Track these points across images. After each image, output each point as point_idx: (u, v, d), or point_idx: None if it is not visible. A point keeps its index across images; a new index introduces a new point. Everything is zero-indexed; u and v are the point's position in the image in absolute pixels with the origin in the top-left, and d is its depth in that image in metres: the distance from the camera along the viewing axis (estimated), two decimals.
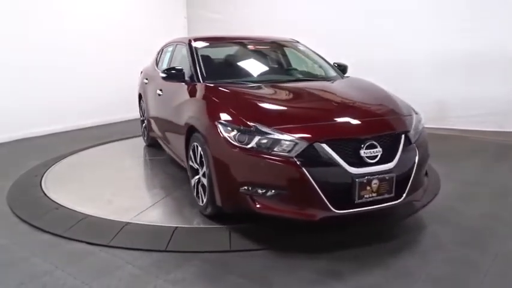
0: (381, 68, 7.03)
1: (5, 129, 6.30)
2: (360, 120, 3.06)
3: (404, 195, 2.94)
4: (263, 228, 3.14)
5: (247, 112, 3.08)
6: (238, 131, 2.91)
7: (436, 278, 2.54)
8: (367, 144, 2.82)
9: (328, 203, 2.72)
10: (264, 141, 2.81)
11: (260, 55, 4.70)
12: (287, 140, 2.77)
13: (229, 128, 2.96)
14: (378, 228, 3.23)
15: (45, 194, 3.99)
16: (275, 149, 2.77)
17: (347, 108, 3.36)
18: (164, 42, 5.58)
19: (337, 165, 2.75)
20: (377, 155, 2.84)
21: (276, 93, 3.62)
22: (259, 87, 3.68)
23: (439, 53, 6.60)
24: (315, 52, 4.69)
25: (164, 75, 3.97)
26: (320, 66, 4.49)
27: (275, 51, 4.84)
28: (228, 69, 4.36)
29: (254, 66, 4.44)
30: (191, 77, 3.93)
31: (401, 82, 6.92)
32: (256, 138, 2.82)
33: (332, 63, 4.51)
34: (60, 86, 7.04)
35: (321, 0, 7.64)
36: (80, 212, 3.51)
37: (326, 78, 4.23)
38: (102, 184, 4.36)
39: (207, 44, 4.60)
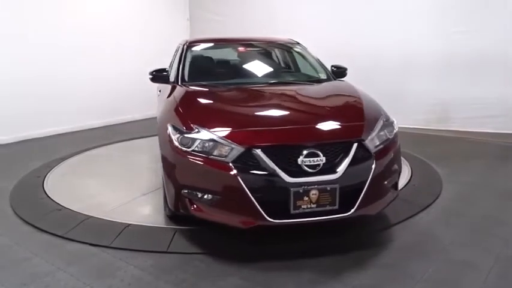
0: (384, 69, 7.04)
1: (10, 130, 6.33)
2: (305, 127, 2.95)
3: (353, 208, 2.73)
4: (263, 230, 3.14)
5: (196, 115, 3.08)
6: (182, 133, 2.91)
7: (437, 280, 2.54)
8: (307, 152, 2.67)
9: (262, 212, 2.62)
10: (205, 145, 2.78)
11: (250, 57, 4.69)
12: (225, 144, 2.73)
13: (175, 130, 2.97)
14: (378, 229, 3.22)
15: (48, 195, 4.01)
16: (214, 154, 2.74)
17: (300, 113, 3.26)
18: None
19: (272, 172, 2.63)
20: (319, 164, 2.67)
21: (241, 97, 3.62)
22: (228, 90, 3.71)
23: (442, 55, 6.58)
24: (310, 54, 4.60)
25: (150, 76, 4.04)
26: (311, 69, 4.41)
27: (268, 53, 4.81)
28: (212, 71, 4.37)
29: (238, 68, 4.46)
30: (175, 79, 4.00)
31: (404, 83, 6.95)
32: (197, 142, 2.80)
33: (330, 66, 4.36)
34: (65, 86, 7.06)
35: (325, 2, 7.64)
36: (82, 213, 3.52)
37: (310, 81, 4.15)
38: (100, 184, 4.39)
39: (202, 45, 4.65)
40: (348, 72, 4.39)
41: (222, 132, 2.80)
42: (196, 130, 2.86)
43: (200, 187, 2.82)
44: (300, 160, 2.66)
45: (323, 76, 4.26)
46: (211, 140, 2.77)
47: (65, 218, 3.47)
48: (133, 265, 2.72)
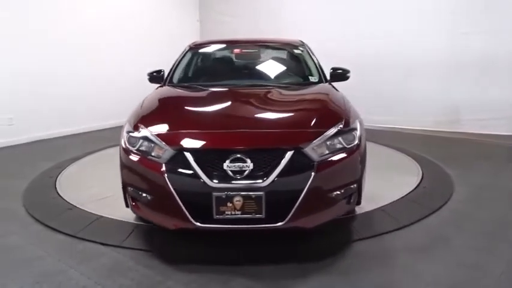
0: (393, 71, 7.02)
1: (23, 131, 6.43)
2: (238, 132, 2.89)
3: (285, 220, 2.62)
4: (269, 232, 3.15)
5: (147, 115, 3.17)
6: (129, 132, 3.01)
7: (447, 283, 2.52)
8: (234, 157, 2.62)
9: (188, 215, 2.64)
10: (146, 145, 2.85)
11: (245, 59, 4.67)
12: (160, 146, 2.78)
13: (126, 129, 3.08)
14: (387, 231, 3.20)
15: (60, 195, 4.06)
16: (152, 154, 2.80)
17: (246, 118, 3.19)
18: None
19: (196, 176, 2.62)
20: (244, 170, 2.61)
21: (204, 99, 3.66)
22: (199, 92, 3.78)
23: (451, 56, 6.55)
24: (311, 55, 4.43)
25: (148, 77, 4.17)
26: (305, 71, 4.28)
27: (264, 55, 4.70)
28: (201, 73, 4.41)
29: (227, 71, 4.43)
30: (165, 79, 4.11)
31: (412, 85, 6.92)
32: (140, 142, 2.88)
33: (330, 68, 4.08)
34: (76, 88, 7.16)
35: (332, 4, 7.63)
36: (93, 213, 3.57)
37: (296, 84, 4.02)
38: (111, 184, 4.30)
39: (202, 47, 4.71)
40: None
41: (159, 133, 2.86)
42: (140, 130, 2.94)
43: (139, 186, 2.90)
44: (225, 165, 2.62)
45: (314, 79, 4.08)
46: (149, 140, 2.85)
47: (76, 218, 3.51)
48: (143, 264, 2.75)
